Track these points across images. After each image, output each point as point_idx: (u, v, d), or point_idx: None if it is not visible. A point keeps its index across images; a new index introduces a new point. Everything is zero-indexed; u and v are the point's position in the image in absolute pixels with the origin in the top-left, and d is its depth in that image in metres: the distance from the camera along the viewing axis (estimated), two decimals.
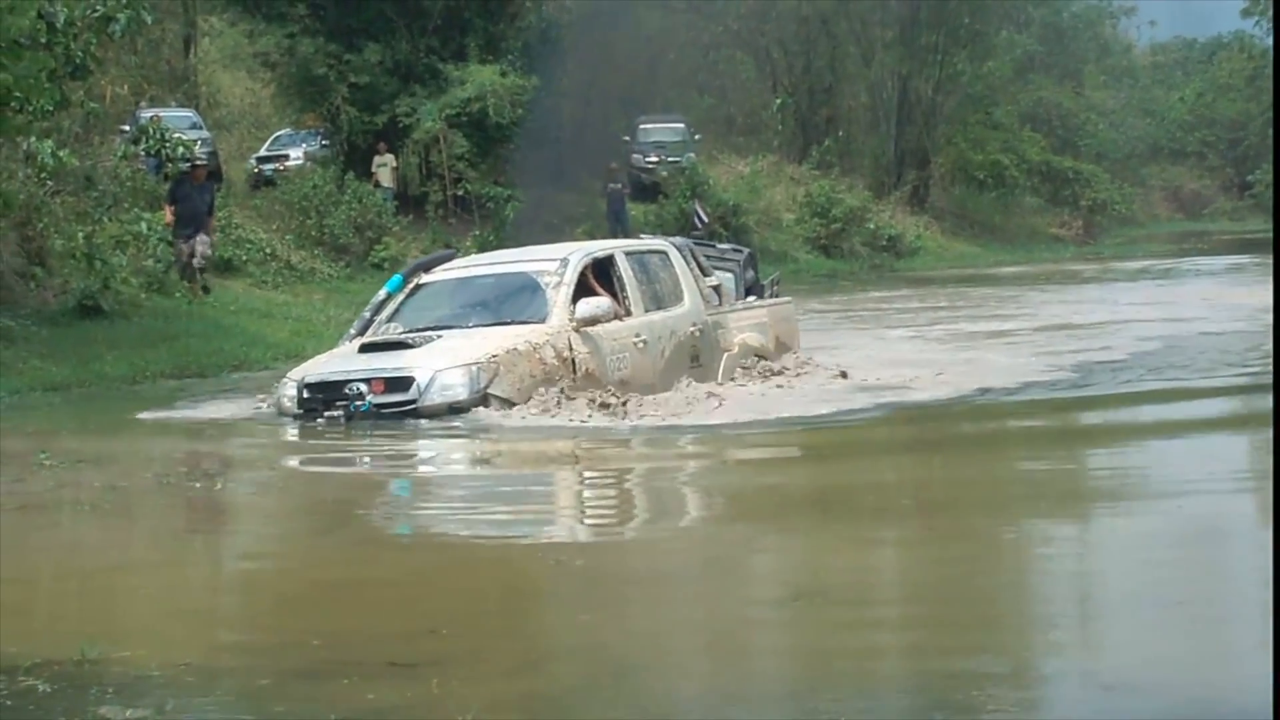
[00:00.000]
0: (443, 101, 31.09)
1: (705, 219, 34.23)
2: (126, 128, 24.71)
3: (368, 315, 13.27)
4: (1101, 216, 54.96)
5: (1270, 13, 51.89)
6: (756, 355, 13.86)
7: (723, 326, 13.68)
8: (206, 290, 21.45)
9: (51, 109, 17.18)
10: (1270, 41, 54.69)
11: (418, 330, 12.56)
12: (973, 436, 11.19)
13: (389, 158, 31.51)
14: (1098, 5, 66.93)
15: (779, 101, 48.08)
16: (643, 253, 13.70)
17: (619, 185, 34.02)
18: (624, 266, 13.05)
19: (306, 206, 28.64)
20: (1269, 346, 13.87)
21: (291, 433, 11.76)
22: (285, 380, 12.41)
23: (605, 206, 34.00)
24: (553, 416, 11.35)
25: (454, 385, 11.57)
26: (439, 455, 11.07)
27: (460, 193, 31.63)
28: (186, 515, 9.11)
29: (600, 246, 13.86)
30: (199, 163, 22.30)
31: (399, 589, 6.74)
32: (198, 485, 10.08)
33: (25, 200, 18.72)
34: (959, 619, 5.82)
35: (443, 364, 11.69)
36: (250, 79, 37.91)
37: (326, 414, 11.69)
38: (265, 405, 12.79)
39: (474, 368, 11.59)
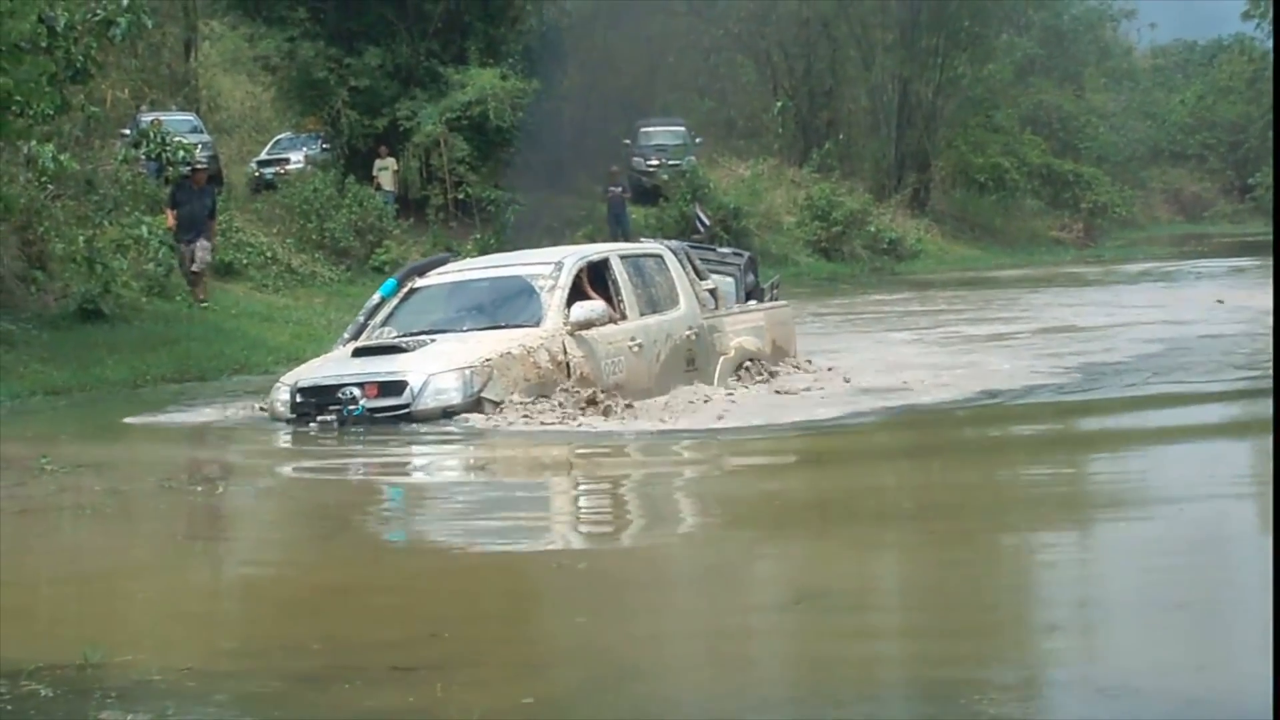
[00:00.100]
0: (443, 105, 31.09)
1: (706, 222, 34.23)
2: (127, 131, 24.69)
3: (362, 319, 13.24)
4: (1102, 219, 54.91)
5: (1270, 15, 51.89)
6: (753, 359, 13.81)
7: (719, 330, 13.62)
8: (203, 300, 21.36)
9: (52, 113, 17.17)
10: (1270, 44, 54.71)
11: (412, 334, 12.51)
12: (975, 440, 11.17)
13: (390, 161, 31.52)
14: (1098, 8, 66.85)
15: (779, 104, 48.08)
16: (638, 256, 13.66)
17: (619, 189, 34.03)
18: (619, 270, 13.00)
19: (307, 210, 28.65)
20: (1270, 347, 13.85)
21: (284, 438, 11.71)
22: (279, 385, 12.36)
23: (606, 210, 34.01)
24: (547, 421, 11.29)
25: (447, 389, 11.52)
26: (433, 460, 11.04)
27: (461, 196, 31.63)
28: (186, 520, 9.10)
29: (595, 250, 13.83)
30: (199, 166, 22.27)
31: (398, 593, 6.74)
32: (197, 490, 10.07)
33: (26, 204, 18.72)
34: (960, 622, 5.81)
35: (436, 368, 11.64)
36: (251, 83, 37.94)
37: (319, 418, 11.64)
38: (257, 409, 12.75)
39: (467, 371, 11.55)
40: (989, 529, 7.63)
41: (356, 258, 28.33)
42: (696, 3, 47.76)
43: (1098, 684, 4.87)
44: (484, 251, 25.05)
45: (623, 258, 13.33)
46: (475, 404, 11.47)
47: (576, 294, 12.50)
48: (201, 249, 21.45)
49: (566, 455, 10.63)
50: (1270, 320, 15.70)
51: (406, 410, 11.51)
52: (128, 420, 13.31)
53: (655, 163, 37.44)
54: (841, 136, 48.05)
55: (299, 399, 11.93)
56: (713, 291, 13.86)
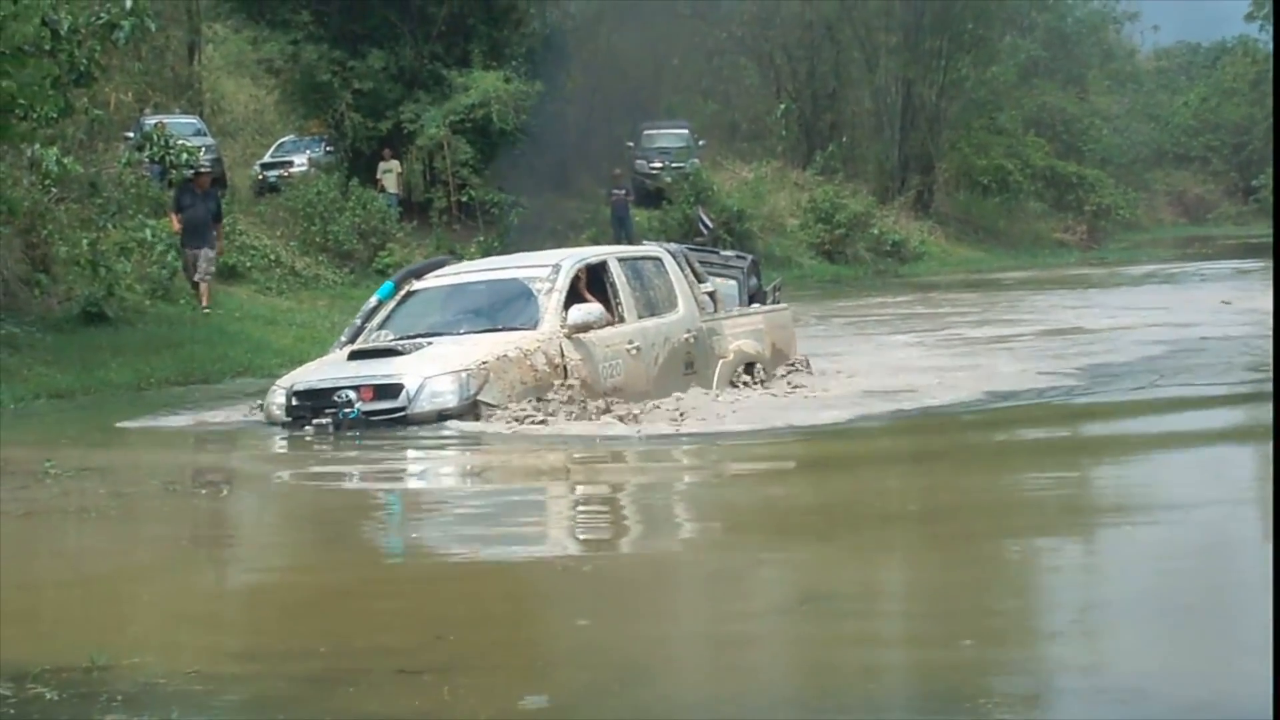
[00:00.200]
0: (447, 108, 31.09)
1: (710, 225, 34.24)
2: (131, 134, 24.73)
3: (358, 322, 13.20)
4: (1105, 221, 54.93)
5: (1271, 15, 51.87)
6: (752, 362, 13.75)
7: (718, 333, 13.56)
8: (206, 308, 21.28)
9: (56, 116, 17.16)
10: (1272, 45, 54.67)
11: (408, 337, 12.46)
12: (980, 444, 11.12)
13: (393, 164, 31.52)
14: (1101, 10, 66.90)
15: (783, 107, 48.09)
16: (637, 259, 13.61)
17: (623, 191, 34.05)
18: (617, 273, 12.94)
19: (311, 213, 28.66)
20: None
21: (279, 442, 11.65)
22: (274, 388, 12.31)
23: (609, 213, 34.02)
24: (544, 424, 11.25)
25: (443, 392, 11.47)
26: (431, 464, 11.01)
27: (464, 199, 31.64)
28: (188, 524, 9.09)
29: (593, 253, 13.78)
30: (202, 170, 22.25)
31: (401, 596, 6.73)
32: (198, 494, 10.08)
33: (30, 207, 18.73)
34: (962, 622, 5.80)
35: (432, 371, 11.60)
36: (254, 85, 37.96)
37: (315, 422, 11.59)
38: (250, 412, 12.70)
39: (464, 374, 11.50)
40: (993, 533, 7.61)
41: (360, 260, 28.34)
42: (700, 5, 47.76)
43: (1098, 683, 4.86)
44: (487, 254, 25.03)
45: (621, 260, 13.28)
46: (471, 407, 11.43)
47: (574, 297, 12.45)
48: (205, 259, 21.38)
49: (564, 459, 10.60)
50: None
51: (402, 413, 11.47)
52: (125, 424, 13.21)
53: (658, 165, 37.45)
54: (845, 139, 48.09)
55: (294, 402, 11.87)
56: (711, 294, 13.79)
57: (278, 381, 12.50)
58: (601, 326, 12.26)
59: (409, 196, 32.09)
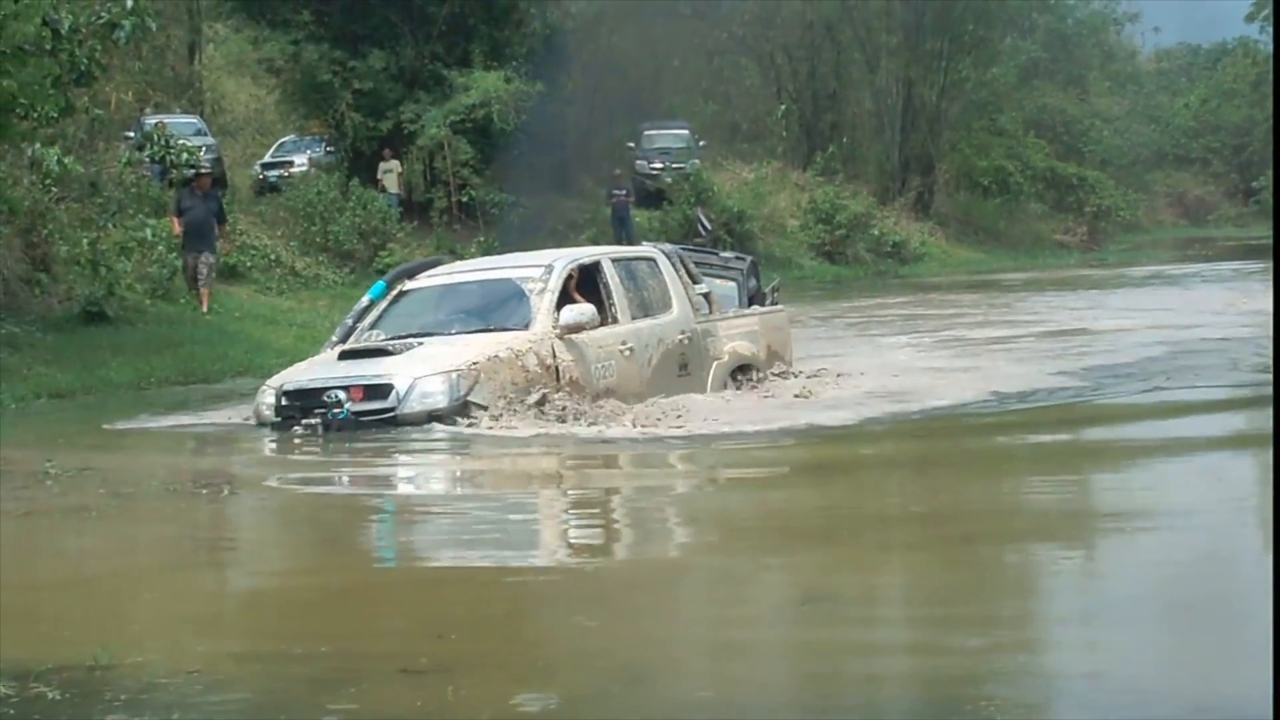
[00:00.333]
0: (447, 108, 31.10)
1: (708, 226, 34.24)
2: (131, 134, 24.75)
3: (350, 322, 13.13)
4: (1106, 223, 54.94)
5: (1271, 16, 51.89)
6: (747, 364, 13.67)
7: (712, 335, 13.45)
8: (206, 312, 21.23)
9: (56, 115, 17.17)
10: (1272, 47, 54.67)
11: (400, 337, 12.38)
12: (982, 446, 11.08)
13: (394, 164, 31.53)
14: (1102, 11, 66.94)
15: (783, 108, 48.10)
16: (630, 259, 13.52)
17: (623, 192, 34.06)
18: (610, 273, 12.85)
19: (311, 213, 28.68)
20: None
21: (265, 443, 11.57)
22: (264, 388, 12.22)
23: (610, 213, 34.02)
24: (536, 425, 11.19)
25: (433, 393, 11.38)
26: (423, 465, 10.96)
27: (465, 199, 31.65)
28: (181, 525, 9.07)
29: (587, 253, 13.67)
30: (202, 171, 22.24)
31: (402, 596, 6.72)
32: (190, 495, 10.06)
33: (30, 206, 18.73)
34: (962, 623, 5.80)
35: (422, 371, 11.50)
36: (255, 85, 37.98)
37: (304, 422, 11.50)
38: (245, 418, 12.65)
39: (454, 375, 11.41)
40: (993, 534, 7.60)
41: (360, 260, 28.34)
42: (701, 5, 47.76)
43: (1099, 683, 4.85)
44: (488, 254, 25.02)
45: (614, 261, 13.19)
46: (462, 408, 11.33)
47: (568, 297, 12.39)
48: (205, 264, 21.33)
49: (558, 461, 10.54)
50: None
51: (392, 414, 11.38)
52: (111, 426, 13.11)
53: (659, 166, 37.46)
54: (845, 140, 48.11)
55: (284, 402, 11.79)
56: (706, 295, 13.66)
57: (268, 381, 12.40)
58: (594, 327, 12.16)
59: (409, 196, 32.10)
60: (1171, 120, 74.69)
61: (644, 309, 12.99)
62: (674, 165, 37.15)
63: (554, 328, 12.02)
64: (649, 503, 9.20)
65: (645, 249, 14.33)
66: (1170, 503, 8.09)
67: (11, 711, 4.91)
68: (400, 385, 11.44)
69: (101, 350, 17.50)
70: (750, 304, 14.61)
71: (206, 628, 6.33)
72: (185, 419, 13.38)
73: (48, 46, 16.30)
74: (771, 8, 48.37)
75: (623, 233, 32.24)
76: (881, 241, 41.81)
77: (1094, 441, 11.28)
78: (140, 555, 8.08)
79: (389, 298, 13.17)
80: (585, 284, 12.70)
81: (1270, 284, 18.69)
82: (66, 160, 17.56)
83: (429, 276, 13.43)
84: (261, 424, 11.96)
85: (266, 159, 34.16)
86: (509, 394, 11.49)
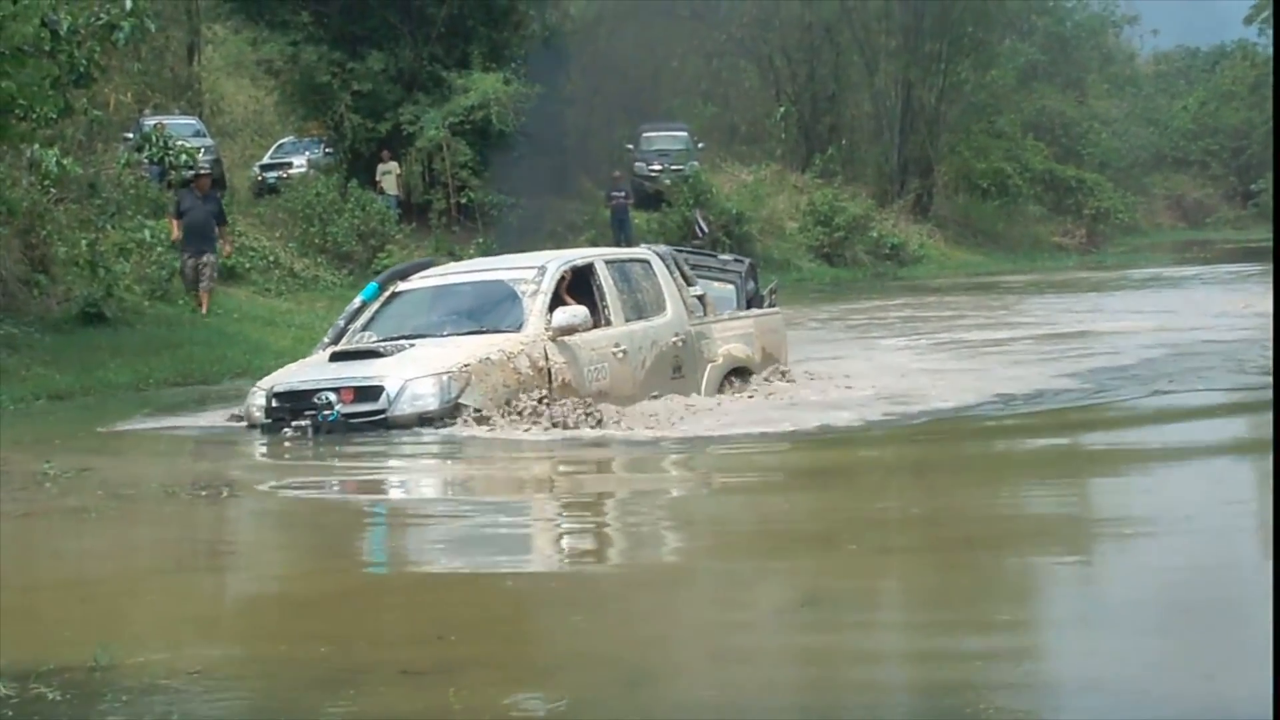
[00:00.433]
0: (446, 109, 31.09)
1: (706, 229, 34.27)
2: (130, 135, 24.74)
3: (341, 323, 13.02)
4: (1104, 225, 54.97)
5: (1270, 17, 51.92)
6: (741, 367, 13.58)
7: (707, 337, 13.34)
8: (205, 314, 21.19)
9: (55, 116, 17.15)
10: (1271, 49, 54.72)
11: (392, 339, 12.30)
12: (985, 448, 11.06)
13: (392, 165, 31.51)
14: (1101, 14, 67.00)
15: (782, 110, 48.14)
16: (624, 261, 13.44)
17: (622, 194, 34.07)
18: (604, 275, 12.76)
19: (310, 214, 28.67)
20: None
21: (254, 445, 11.47)
22: (255, 389, 12.12)
23: (609, 215, 34.03)
24: (526, 428, 11.11)
25: (424, 395, 11.29)
26: (418, 468, 10.88)
27: (463, 200, 31.64)
28: (188, 526, 9.07)
29: (580, 254, 13.59)
30: (201, 172, 22.21)
31: (402, 597, 6.71)
32: (188, 496, 10.04)
33: (29, 208, 18.73)
34: (962, 624, 5.81)
35: (413, 373, 11.41)
36: (254, 86, 37.98)
37: (294, 424, 11.40)
38: (230, 419, 12.56)
39: (445, 377, 11.32)
40: (995, 536, 7.60)
41: (359, 262, 28.31)
42: (699, 7, 47.83)
43: (1102, 688, 4.84)
44: (486, 256, 25.02)
45: (608, 263, 13.10)
46: (453, 410, 11.25)
47: (560, 299, 12.32)
48: (208, 265, 21.31)
49: (553, 464, 10.48)
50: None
51: (382, 416, 11.28)
52: (116, 428, 13.06)
53: (657, 168, 37.48)
54: (844, 142, 48.15)
55: (274, 404, 11.69)
56: (701, 298, 13.56)
57: (258, 383, 12.31)
58: (587, 329, 12.08)
59: (408, 198, 32.08)
60: (1170, 123, 74.74)
61: (638, 311, 12.90)
62: (673, 167, 37.17)
63: (546, 330, 11.93)
64: (647, 505, 9.18)
65: (639, 251, 14.28)
66: (1175, 506, 8.08)
67: (11, 713, 4.89)
68: (391, 387, 11.36)
69: (100, 351, 17.49)
70: (748, 306, 14.51)
71: (206, 629, 6.32)
72: (182, 420, 13.34)
73: (46, 47, 16.29)
74: (770, 10, 48.41)
75: (622, 235, 32.25)
76: (880, 244, 41.84)
77: (1097, 445, 11.23)
78: (139, 557, 8.07)
79: (381, 299, 13.07)
80: (579, 286, 12.61)
81: (1270, 286, 18.67)
82: (65, 161, 17.53)
83: (421, 278, 13.33)
84: (252, 426, 11.86)
85: (265, 160, 34.15)
86: (500, 396, 11.41)
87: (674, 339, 12.97)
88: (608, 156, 38.67)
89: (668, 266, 13.41)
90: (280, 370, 12.73)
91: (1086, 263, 46.07)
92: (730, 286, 14.60)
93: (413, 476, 10.81)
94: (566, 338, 11.95)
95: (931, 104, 48.42)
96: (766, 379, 13.72)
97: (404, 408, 11.29)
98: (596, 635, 5.90)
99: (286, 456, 11.14)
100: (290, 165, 32.96)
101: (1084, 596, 6.23)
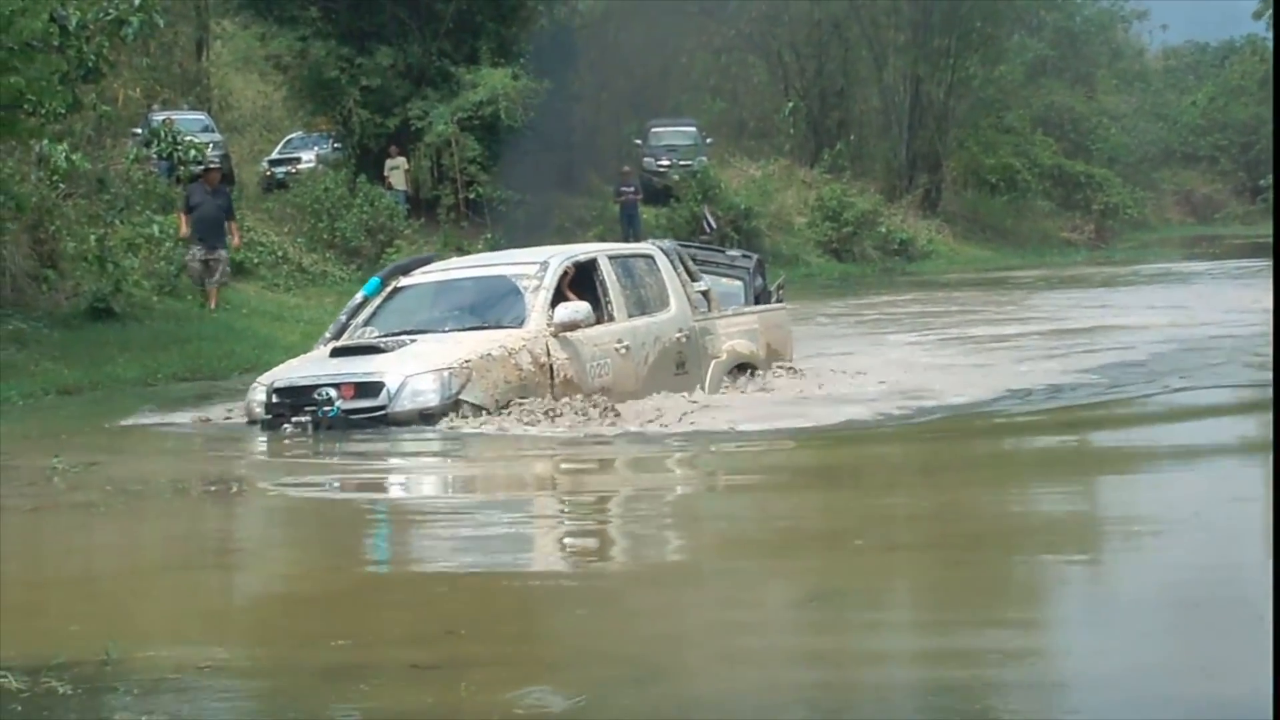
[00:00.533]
0: (454, 105, 31.10)
1: (714, 224, 34.25)
2: (139, 130, 24.75)
3: (343, 319, 12.97)
4: (1113, 220, 54.86)
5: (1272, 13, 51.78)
6: (745, 363, 13.51)
7: (711, 333, 13.26)
8: (214, 309, 21.16)
9: (64, 112, 17.17)
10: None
11: (393, 334, 12.24)
12: (991, 447, 11.01)
13: (401, 161, 31.52)
14: (1110, 9, 66.82)
15: (790, 105, 48.08)
16: (627, 256, 13.36)
17: (632, 189, 34.04)
18: (607, 270, 12.69)
19: (318, 209, 28.68)
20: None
21: (255, 441, 11.43)
22: (255, 385, 12.07)
23: (619, 211, 34.02)
24: (528, 424, 11.05)
25: (425, 391, 11.23)
26: (426, 463, 10.87)
27: (472, 196, 31.64)
28: (197, 521, 9.08)
29: (583, 250, 13.45)
30: (211, 165, 22.22)
31: (411, 593, 6.71)
32: (204, 491, 10.06)
33: (37, 203, 18.75)
34: (963, 622, 5.81)
35: (414, 369, 11.35)
36: (262, 82, 38.00)
37: (294, 420, 11.35)
38: (227, 415, 12.54)
39: (445, 373, 11.26)
40: (996, 534, 7.58)
41: (367, 257, 28.30)
42: (708, 3, 47.78)
43: (1103, 688, 4.83)
44: (494, 251, 25.01)
45: (611, 258, 13.02)
46: (453, 406, 11.19)
47: (563, 295, 12.24)
48: (222, 261, 21.32)
49: (558, 461, 10.42)
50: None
51: (383, 412, 11.23)
52: (122, 422, 13.04)
53: (666, 163, 37.44)
54: (853, 137, 48.07)
55: (274, 399, 11.63)
56: (705, 293, 13.47)
57: (259, 378, 12.25)
58: (589, 325, 12.01)
59: (417, 193, 32.07)
60: (1179, 118, 74.56)
61: (641, 307, 12.83)
62: (681, 162, 37.13)
63: (548, 325, 11.86)
64: (654, 502, 9.17)
65: (643, 246, 14.23)
66: (1183, 503, 8.06)
67: (22, 707, 4.89)
68: (391, 383, 11.30)
69: (109, 346, 17.51)
70: (756, 302, 14.44)
71: (215, 624, 6.31)
72: (186, 416, 13.31)
73: (55, 43, 16.31)
74: (779, 5, 48.37)
75: (631, 230, 32.22)
76: (888, 239, 41.78)
77: (1109, 442, 11.18)
78: (148, 551, 8.08)
79: (383, 294, 13.01)
80: (582, 281, 12.55)
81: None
82: (74, 157, 17.56)
83: (424, 273, 13.27)
84: (252, 422, 11.80)
85: (274, 155, 34.17)
86: (502, 392, 11.35)
87: (677, 335, 12.90)
88: (616, 152, 38.69)
89: (672, 262, 13.33)
90: (281, 366, 12.68)
91: (1095, 258, 45.96)
92: (738, 282, 14.54)
93: (418, 473, 10.80)
94: (569, 333, 11.89)
95: (940, 99, 48.35)
96: (775, 374, 13.68)
97: (404, 404, 11.23)
98: (605, 632, 5.90)
99: (290, 452, 11.10)
100: (299, 160, 32.98)
101: (1090, 595, 6.23)
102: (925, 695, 5.00)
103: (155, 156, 22.75)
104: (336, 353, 12.08)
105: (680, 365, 12.86)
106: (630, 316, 12.64)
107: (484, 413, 11.24)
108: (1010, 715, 4.71)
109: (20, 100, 16.01)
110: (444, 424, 11.17)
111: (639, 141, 38.70)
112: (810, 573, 6.80)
